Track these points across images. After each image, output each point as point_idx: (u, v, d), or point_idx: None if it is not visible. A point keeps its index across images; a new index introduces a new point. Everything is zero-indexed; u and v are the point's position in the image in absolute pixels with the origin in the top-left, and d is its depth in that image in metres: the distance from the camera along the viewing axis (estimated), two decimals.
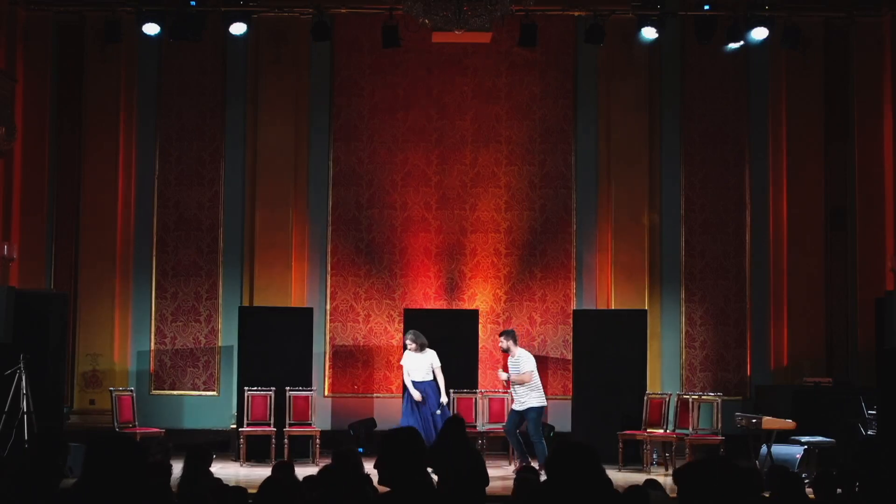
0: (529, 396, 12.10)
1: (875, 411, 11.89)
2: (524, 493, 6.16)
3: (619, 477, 11.45)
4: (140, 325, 14.52)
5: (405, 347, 12.61)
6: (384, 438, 4.05)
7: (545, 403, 12.30)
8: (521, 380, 12.07)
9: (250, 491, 6.10)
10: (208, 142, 14.75)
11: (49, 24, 14.38)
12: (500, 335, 12.57)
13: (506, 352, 12.38)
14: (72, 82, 14.45)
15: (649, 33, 13.83)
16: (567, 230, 14.79)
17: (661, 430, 12.91)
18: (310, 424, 13.11)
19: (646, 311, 14.17)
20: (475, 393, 13.49)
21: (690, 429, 12.65)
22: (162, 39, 13.96)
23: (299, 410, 13.22)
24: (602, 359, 13.60)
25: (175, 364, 14.47)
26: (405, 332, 13.66)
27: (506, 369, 12.44)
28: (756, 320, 14.64)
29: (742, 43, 13.95)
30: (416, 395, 12.28)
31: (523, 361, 12.17)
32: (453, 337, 13.66)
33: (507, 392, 13.67)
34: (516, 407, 12.23)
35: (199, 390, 14.36)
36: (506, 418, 13.12)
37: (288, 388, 13.25)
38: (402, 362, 12.65)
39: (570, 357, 14.30)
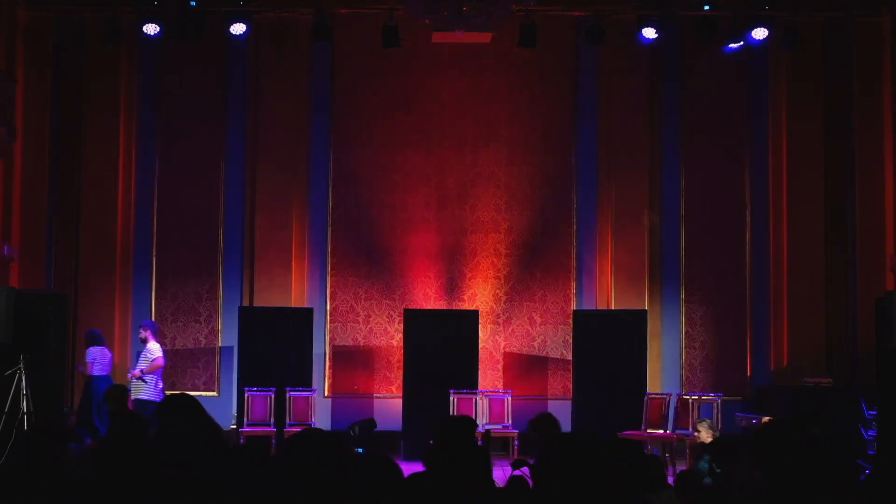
0: (141, 388, 12.39)
1: (875, 411, 11.89)
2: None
3: None
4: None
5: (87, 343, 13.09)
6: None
7: (155, 400, 12.31)
8: (152, 368, 12.46)
9: None
10: (208, 142, 14.74)
11: (49, 24, 14.36)
12: (142, 325, 12.95)
13: (144, 342, 12.73)
14: (72, 82, 14.44)
15: (649, 33, 13.82)
16: (567, 230, 14.78)
17: (662, 431, 12.91)
18: (310, 425, 13.08)
19: (646, 311, 14.17)
20: (475, 393, 13.48)
21: (690, 429, 12.63)
22: (162, 39, 13.94)
23: (299, 411, 13.22)
24: (602, 359, 13.62)
25: (175, 364, 14.44)
26: (405, 332, 13.72)
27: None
28: (756, 320, 14.64)
29: (742, 43, 13.95)
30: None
31: (153, 353, 12.54)
32: (453, 337, 13.69)
33: (506, 393, 13.68)
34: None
35: (199, 390, 14.34)
36: (506, 419, 13.12)
37: (288, 388, 13.26)
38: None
39: (570, 357, 14.30)
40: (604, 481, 3.92)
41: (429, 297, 14.59)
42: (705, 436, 9.81)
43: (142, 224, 14.64)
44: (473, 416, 13.25)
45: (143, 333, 12.74)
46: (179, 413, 4.45)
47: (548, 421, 7.45)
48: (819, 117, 14.59)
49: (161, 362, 12.54)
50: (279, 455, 4.29)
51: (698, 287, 14.71)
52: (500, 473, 11.94)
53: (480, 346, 14.14)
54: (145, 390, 12.40)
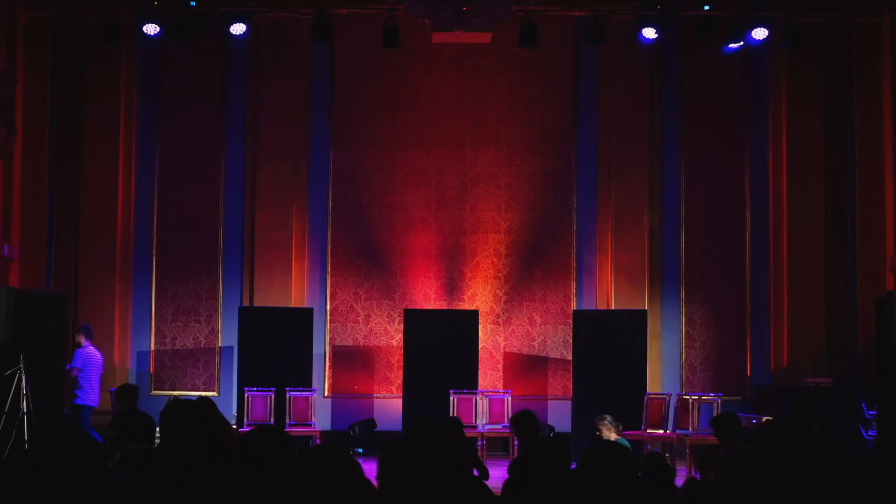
0: (78, 392, 12.46)
1: (875, 411, 11.89)
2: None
3: None
4: (140, 325, 14.52)
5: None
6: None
7: (89, 404, 12.43)
8: (71, 373, 12.51)
9: None
10: (208, 142, 14.74)
11: (49, 24, 14.37)
12: (78, 328, 12.98)
13: (78, 346, 12.74)
14: (72, 82, 14.45)
15: (649, 33, 13.82)
16: (567, 230, 14.78)
17: (662, 431, 12.91)
18: (310, 425, 13.10)
19: (646, 311, 14.17)
20: (475, 393, 13.48)
21: (690, 429, 12.64)
22: (162, 39, 13.94)
23: (299, 411, 13.22)
24: (602, 359, 13.61)
25: (175, 364, 14.47)
26: (405, 332, 13.72)
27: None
28: (756, 320, 14.64)
29: (742, 43, 13.95)
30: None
31: (78, 358, 12.55)
32: (453, 337, 13.68)
33: (506, 393, 13.68)
34: None
35: (199, 391, 14.34)
36: (506, 419, 13.12)
37: (288, 388, 13.25)
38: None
39: (570, 357, 14.30)
40: (590, 485, 3.93)
41: (429, 297, 14.59)
42: (607, 433, 9.73)
43: (142, 224, 14.65)
44: (473, 416, 13.25)
45: (77, 338, 12.78)
46: (185, 416, 4.42)
47: (525, 418, 7.39)
48: (819, 117, 14.60)
49: (74, 374, 12.52)
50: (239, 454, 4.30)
51: (698, 287, 14.71)
52: (497, 474, 11.97)
53: (480, 346, 14.14)
54: (81, 395, 12.44)
